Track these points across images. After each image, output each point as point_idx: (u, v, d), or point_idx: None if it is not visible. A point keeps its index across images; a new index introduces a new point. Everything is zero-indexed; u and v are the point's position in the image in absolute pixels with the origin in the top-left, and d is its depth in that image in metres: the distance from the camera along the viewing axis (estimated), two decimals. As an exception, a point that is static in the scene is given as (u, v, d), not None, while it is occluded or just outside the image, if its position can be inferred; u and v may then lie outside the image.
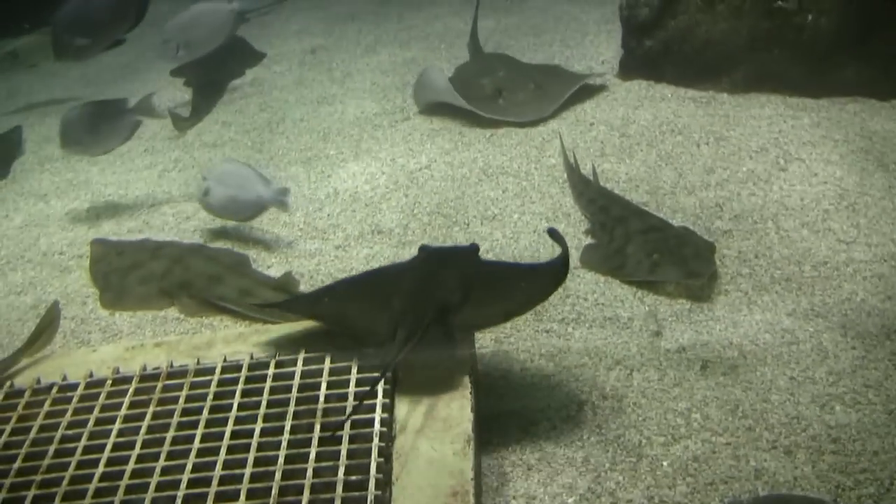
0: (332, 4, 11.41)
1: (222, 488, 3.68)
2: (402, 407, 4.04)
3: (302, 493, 3.61)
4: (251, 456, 3.81)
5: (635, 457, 4.09)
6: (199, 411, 4.09)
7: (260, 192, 6.05)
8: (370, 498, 3.56)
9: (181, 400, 4.17)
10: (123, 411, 4.14)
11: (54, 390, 4.33)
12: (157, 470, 3.80)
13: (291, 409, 4.03)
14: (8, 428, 4.13)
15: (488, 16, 9.98)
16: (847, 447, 4.04)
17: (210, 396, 4.16)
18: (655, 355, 4.71)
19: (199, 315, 5.43)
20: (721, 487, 3.89)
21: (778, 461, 4.00)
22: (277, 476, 3.70)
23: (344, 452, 3.77)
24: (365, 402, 3.94)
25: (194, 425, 4.02)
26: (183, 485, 3.72)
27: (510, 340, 4.92)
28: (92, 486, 3.76)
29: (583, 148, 6.85)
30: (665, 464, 4.05)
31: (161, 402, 4.18)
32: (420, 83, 7.94)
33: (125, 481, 3.76)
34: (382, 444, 3.79)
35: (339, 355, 4.32)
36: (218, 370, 4.32)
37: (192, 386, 4.25)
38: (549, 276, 4.22)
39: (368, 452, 3.76)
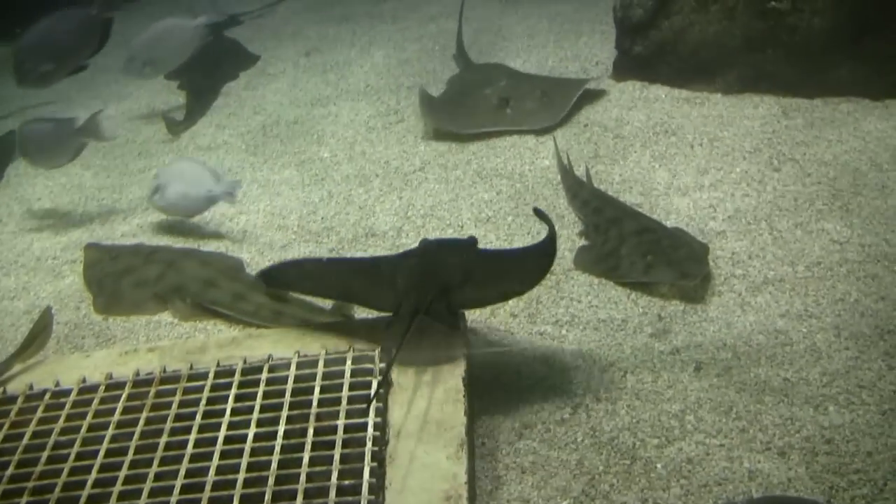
0: (326, 6, 11.40)
1: (215, 494, 3.69)
2: (395, 411, 4.04)
3: (295, 499, 3.62)
4: (244, 461, 3.82)
5: (629, 459, 4.09)
6: (192, 416, 4.10)
7: (210, 187, 6.23)
8: (363, 502, 3.56)
9: (174, 405, 4.18)
10: (116, 417, 4.15)
11: (47, 396, 4.33)
12: (151, 476, 3.81)
13: (285, 413, 4.04)
14: (0, 434, 4.13)
15: (481, 17, 9.98)
16: (841, 448, 4.04)
17: (203, 401, 4.17)
18: (649, 357, 4.71)
19: (193, 319, 5.43)
20: (715, 489, 3.89)
21: (772, 462, 4.00)
22: (271, 481, 3.70)
23: (337, 457, 3.77)
24: (358, 406, 3.95)
25: (187, 431, 4.02)
26: (176, 490, 3.73)
27: (504, 343, 4.92)
28: (85, 493, 3.77)
29: (576, 149, 6.85)
30: (659, 466, 4.04)
31: (154, 407, 4.18)
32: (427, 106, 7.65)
33: (118, 487, 3.77)
34: (376, 449, 3.80)
35: (333, 359, 4.33)
36: (211, 375, 4.33)
37: (186, 391, 4.26)
38: (540, 255, 4.47)
39: (362, 457, 3.76)
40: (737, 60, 7.38)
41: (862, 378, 4.42)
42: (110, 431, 4.07)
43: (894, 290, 5.01)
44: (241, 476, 3.74)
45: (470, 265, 4.41)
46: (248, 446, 3.89)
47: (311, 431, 3.92)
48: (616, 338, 4.88)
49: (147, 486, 3.75)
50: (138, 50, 8.04)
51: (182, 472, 3.80)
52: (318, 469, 3.73)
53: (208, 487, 3.71)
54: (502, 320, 5.11)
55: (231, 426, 4.02)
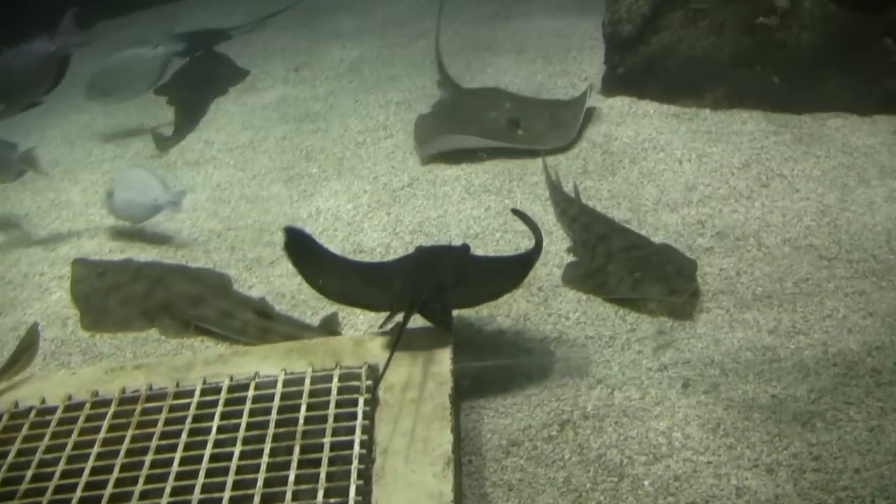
0: (315, 22, 11.40)
1: (201, 512, 3.67)
2: (381, 428, 4.03)
3: (281, 517, 3.60)
4: (230, 479, 3.80)
5: (617, 476, 4.08)
6: (178, 434, 4.08)
7: (156, 195, 6.43)
8: (349, 521, 3.55)
9: (160, 423, 4.16)
10: (102, 435, 4.13)
11: (32, 414, 4.32)
12: (136, 494, 3.79)
13: (271, 431, 4.03)
14: (-15, 453, 4.11)
15: (470, 33, 9.99)
16: (829, 465, 4.04)
17: (189, 419, 4.15)
18: (637, 374, 4.70)
19: (180, 336, 5.41)
20: (703, 507, 3.90)
21: (759, 479, 3.99)
22: (257, 499, 3.69)
23: (323, 475, 3.76)
24: (344, 423, 3.95)
25: (173, 448, 4.01)
26: (161, 509, 3.71)
27: (491, 359, 4.91)
28: (69, 511, 3.75)
29: (565, 165, 6.85)
30: (646, 483, 4.04)
31: (140, 425, 4.17)
32: (422, 137, 7.52)
33: (103, 505, 3.75)
34: (362, 467, 3.79)
35: (320, 376, 4.32)
36: (197, 392, 4.31)
37: (172, 409, 4.24)
38: (527, 259, 4.75)
39: (348, 475, 3.75)
40: (725, 76, 7.40)
41: (850, 395, 4.42)
42: (96, 449, 4.05)
43: (882, 306, 5.01)
44: (227, 494, 3.73)
45: (463, 267, 4.69)
46: (234, 464, 3.87)
47: (297, 449, 3.90)
48: (604, 354, 4.88)
49: (132, 505, 3.74)
50: (98, 80, 8.37)
51: (168, 491, 3.78)
52: (304, 487, 3.72)
53: (194, 505, 3.70)
54: (490, 337, 5.10)
55: (217, 444, 4.00)
